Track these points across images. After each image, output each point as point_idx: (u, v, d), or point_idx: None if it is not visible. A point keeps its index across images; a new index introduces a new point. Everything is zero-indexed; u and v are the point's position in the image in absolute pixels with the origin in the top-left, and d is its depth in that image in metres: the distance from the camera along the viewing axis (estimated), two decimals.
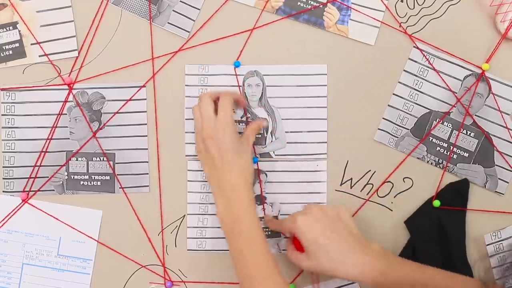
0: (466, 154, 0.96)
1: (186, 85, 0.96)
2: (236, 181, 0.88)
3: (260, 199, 0.97)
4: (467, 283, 0.86)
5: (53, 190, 0.96)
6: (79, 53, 0.95)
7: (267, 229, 0.96)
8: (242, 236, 0.86)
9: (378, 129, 0.97)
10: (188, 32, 0.96)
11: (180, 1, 0.95)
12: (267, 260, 0.85)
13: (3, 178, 0.96)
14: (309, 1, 0.95)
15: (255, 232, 0.86)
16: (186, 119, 0.96)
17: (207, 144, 0.89)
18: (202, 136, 0.90)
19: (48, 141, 0.96)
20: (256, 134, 0.95)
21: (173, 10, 0.96)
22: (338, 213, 0.88)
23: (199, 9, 0.95)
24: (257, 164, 0.96)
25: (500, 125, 0.96)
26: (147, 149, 0.96)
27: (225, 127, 0.89)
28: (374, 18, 0.96)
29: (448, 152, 0.96)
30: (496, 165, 0.96)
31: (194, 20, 0.95)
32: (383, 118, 0.97)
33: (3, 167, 0.96)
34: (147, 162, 0.96)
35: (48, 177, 0.96)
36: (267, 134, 0.97)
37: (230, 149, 0.88)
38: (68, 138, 0.96)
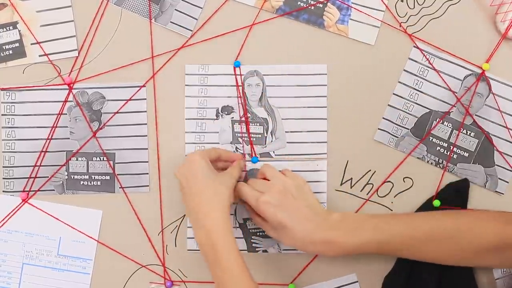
0: (466, 154, 0.96)
1: (186, 85, 0.96)
2: (208, 208, 0.86)
3: None
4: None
5: (53, 190, 0.96)
6: (79, 53, 0.95)
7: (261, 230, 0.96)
8: (220, 267, 0.83)
9: (378, 129, 0.97)
10: (191, 31, 0.96)
11: (182, 0, 0.95)
12: None
13: (3, 178, 0.96)
14: (309, 1, 0.96)
15: (233, 262, 0.83)
16: (186, 119, 0.96)
17: (180, 180, 0.89)
18: (176, 176, 0.90)
19: (48, 141, 0.96)
20: (240, 173, 0.94)
21: (175, 9, 0.95)
22: (298, 184, 0.90)
23: (201, 8, 0.95)
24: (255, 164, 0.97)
25: (500, 125, 0.96)
26: (147, 149, 0.96)
27: (193, 161, 0.88)
28: (374, 18, 0.96)
29: (448, 152, 0.96)
30: (496, 165, 0.96)
31: (196, 19, 0.95)
32: (383, 118, 0.96)
33: (3, 167, 0.96)
34: (147, 162, 0.96)
35: (48, 177, 0.96)
36: (267, 134, 0.97)
37: (199, 176, 0.87)
38: (68, 138, 0.96)
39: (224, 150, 0.96)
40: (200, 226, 0.85)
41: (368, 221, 0.88)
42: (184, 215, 0.97)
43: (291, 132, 0.97)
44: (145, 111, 0.96)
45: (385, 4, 0.96)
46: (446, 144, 0.96)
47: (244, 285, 0.83)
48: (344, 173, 0.97)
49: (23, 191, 0.96)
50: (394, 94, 0.96)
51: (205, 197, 0.86)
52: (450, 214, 0.90)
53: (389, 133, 0.97)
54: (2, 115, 0.96)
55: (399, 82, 0.96)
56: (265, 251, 0.98)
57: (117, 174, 0.96)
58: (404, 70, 0.96)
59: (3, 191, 0.96)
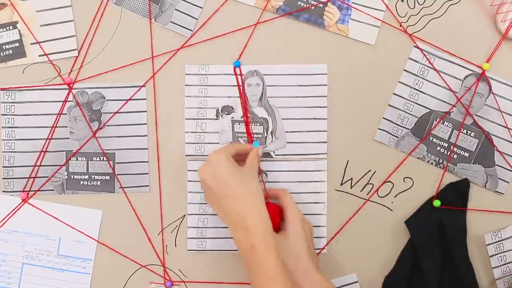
0: (466, 154, 0.96)
1: (186, 85, 0.96)
2: (245, 210, 0.85)
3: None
4: None
5: (53, 190, 0.96)
6: (79, 53, 0.95)
7: None
8: (259, 268, 0.82)
9: (378, 129, 0.97)
10: (191, 30, 0.95)
11: (182, 0, 0.95)
12: None
13: (3, 178, 0.96)
14: (310, 1, 0.95)
15: (273, 263, 0.82)
16: (186, 119, 0.96)
17: (206, 183, 0.88)
18: (201, 177, 0.89)
19: (48, 141, 0.96)
20: (259, 161, 0.94)
21: (175, 9, 0.95)
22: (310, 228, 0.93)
23: (201, 8, 0.95)
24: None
25: (501, 125, 0.96)
26: (147, 149, 0.96)
27: (218, 162, 0.87)
28: (375, 18, 0.96)
29: (449, 152, 0.96)
30: (497, 165, 0.96)
31: (197, 19, 0.95)
32: (383, 118, 0.96)
33: (3, 167, 0.96)
34: (147, 162, 0.96)
35: (48, 177, 0.96)
36: (267, 134, 0.97)
37: (229, 179, 0.86)
38: (68, 138, 0.96)
39: (239, 143, 0.95)
40: (240, 229, 0.84)
41: None
42: (184, 215, 0.97)
43: (291, 132, 0.97)
44: (145, 111, 0.96)
45: (385, 4, 0.96)
46: (447, 144, 0.96)
47: (280, 286, 0.81)
48: (344, 173, 0.97)
49: (23, 191, 0.96)
50: (394, 94, 0.96)
51: (242, 199, 0.85)
52: None
53: (389, 133, 0.97)
54: (2, 115, 0.96)
55: (399, 82, 0.96)
56: None
57: (117, 174, 0.96)
58: (405, 70, 0.96)
59: (3, 191, 0.96)
